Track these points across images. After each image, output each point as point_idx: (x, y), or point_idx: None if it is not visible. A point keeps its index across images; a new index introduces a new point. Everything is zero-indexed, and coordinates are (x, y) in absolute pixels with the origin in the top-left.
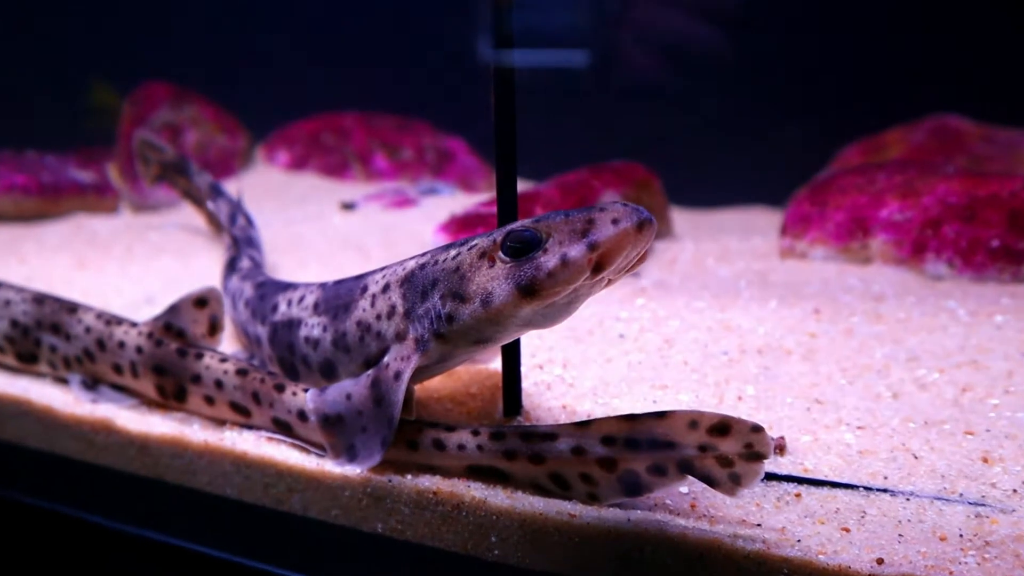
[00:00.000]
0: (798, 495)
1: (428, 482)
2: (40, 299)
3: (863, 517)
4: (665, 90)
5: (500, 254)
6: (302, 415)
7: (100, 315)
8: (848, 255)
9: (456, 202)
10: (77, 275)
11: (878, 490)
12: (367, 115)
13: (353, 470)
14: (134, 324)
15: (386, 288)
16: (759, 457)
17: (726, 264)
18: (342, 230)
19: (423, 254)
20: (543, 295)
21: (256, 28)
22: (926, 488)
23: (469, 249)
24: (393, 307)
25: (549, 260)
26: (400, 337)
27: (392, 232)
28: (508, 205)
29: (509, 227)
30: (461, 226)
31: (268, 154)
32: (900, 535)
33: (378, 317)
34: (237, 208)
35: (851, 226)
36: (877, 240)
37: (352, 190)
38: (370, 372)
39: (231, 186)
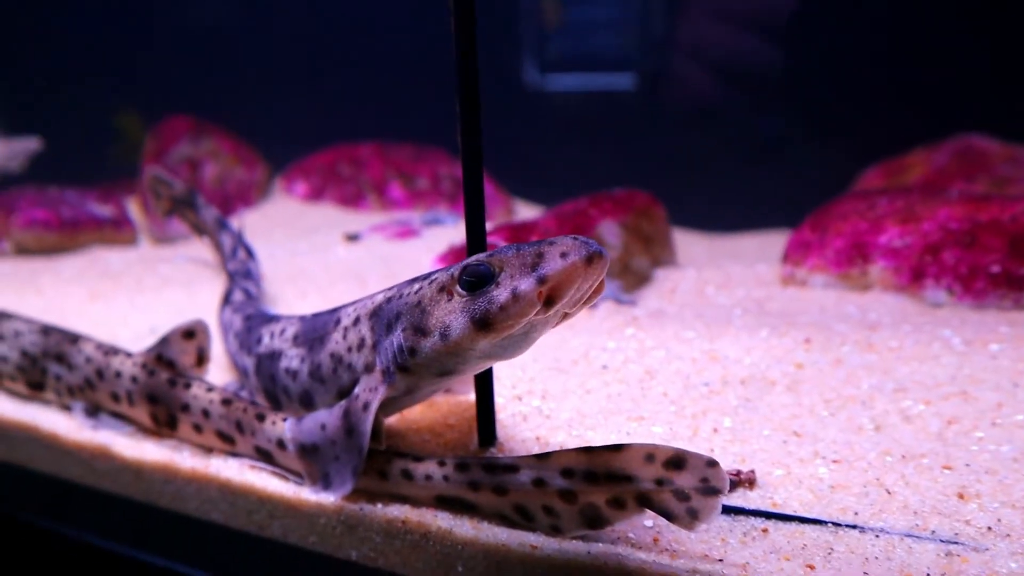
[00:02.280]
0: (765, 530)
1: (397, 511)
2: (46, 330)
3: (830, 554)
4: (706, 112)
5: (457, 288)
6: (281, 443)
7: (99, 346)
8: (848, 282)
9: (458, 232)
10: (89, 307)
11: (847, 526)
12: (384, 145)
13: (327, 498)
14: (129, 354)
15: (357, 321)
16: (715, 492)
17: (726, 292)
18: (344, 261)
19: (391, 288)
20: (497, 328)
21: (278, 59)
22: (897, 525)
23: (430, 283)
24: (363, 339)
25: (501, 294)
26: (369, 369)
27: (392, 263)
28: (476, 237)
29: (466, 261)
30: (459, 256)
31: (287, 185)
32: (865, 573)
33: (349, 349)
34: (238, 241)
35: (851, 252)
36: (876, 267)
37: (366, 220)
38: (342, 403)
39: (249, 218)
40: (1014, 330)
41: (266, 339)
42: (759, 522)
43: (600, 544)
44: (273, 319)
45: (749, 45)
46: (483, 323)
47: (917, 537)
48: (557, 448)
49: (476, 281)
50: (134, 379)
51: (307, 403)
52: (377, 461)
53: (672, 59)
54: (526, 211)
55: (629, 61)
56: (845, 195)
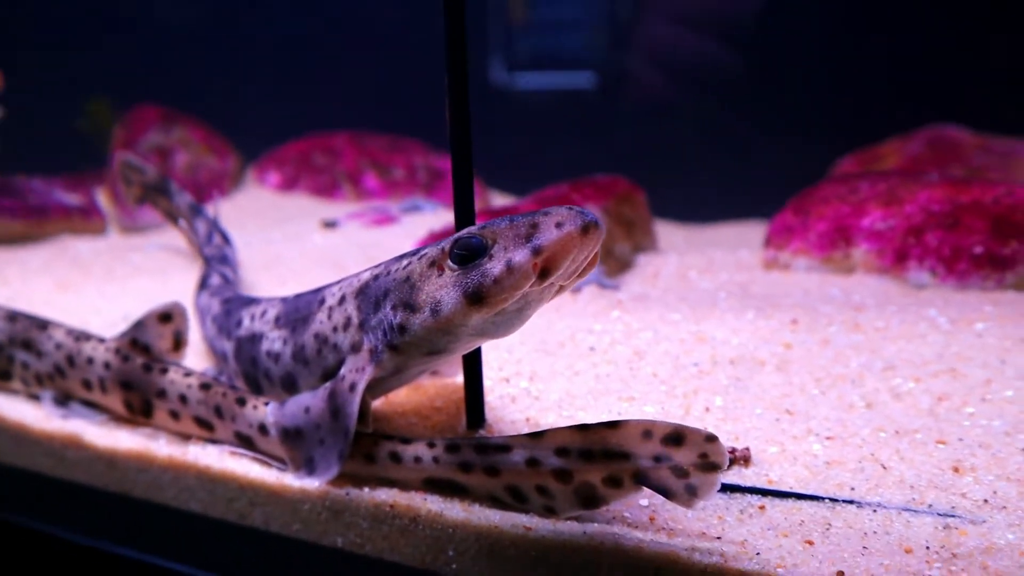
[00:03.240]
0: (762, 507)
1: (385, 495)
2: (12, 316)
3: (828, 529)
4: (671, 108)
5: (449, 262)
6: (263, 428)
7: (70, 332)
8: (831, 265)
9: (438, 219)
10: (58, 296)
11: (844, 501)
12: (358, 135)
13: (312, 483)
14: (102, 340)
15: (342, 300)
16: (714, 467)
17: (709, 276)
18: (322, 248)
19: (378, 265)
20: (491, 302)
21: (249, 49)
22: (894, 499)
23: (419, 258)
24: (348, 319)
25: (495, 266)
26: (355, 348)
27: (371, 249)
28: (464, 212)
29: (457, 234)
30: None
31: (259, 175)
32: (864, 547)
33: (335, 329)
34: (213, 226)
35: (834, 236)
36: (859, 249)
37: (342, 210)
38: (327, 385)
39: (222, 208)
40: (998, 309)
41: (246, 321)
42: (755, 499)
43: (595, 524)
44: (253, 301)
45: (709, 46)
46: (476, 297)
47: (914, 511)
48: (548, 427)
49: (468, 255)
50: (107, 365)
51: (290, 386)
52: (364, 444)
53: (633, 58)
54: (501, 200)
55: (592, 60)
56: (826, 180)
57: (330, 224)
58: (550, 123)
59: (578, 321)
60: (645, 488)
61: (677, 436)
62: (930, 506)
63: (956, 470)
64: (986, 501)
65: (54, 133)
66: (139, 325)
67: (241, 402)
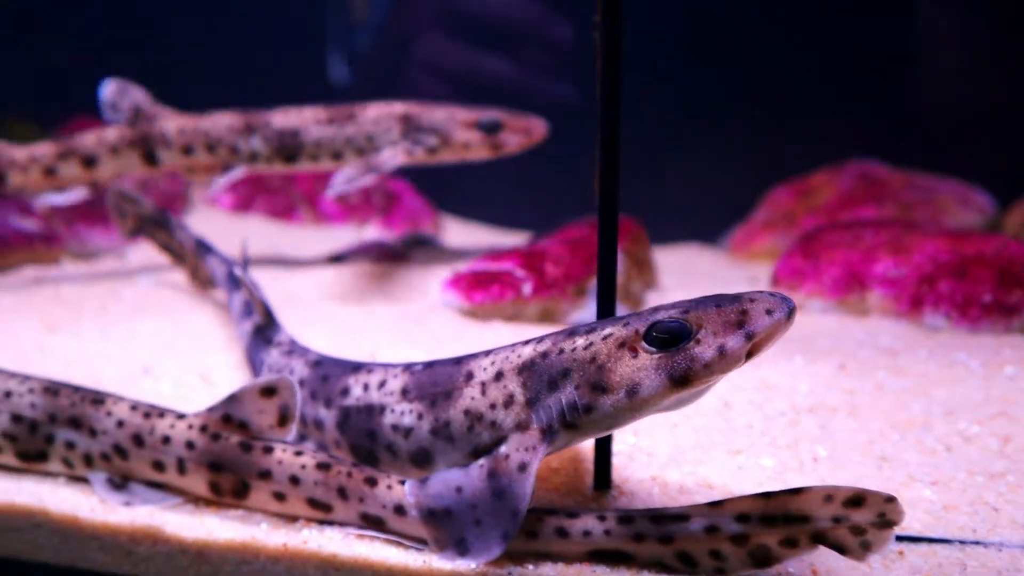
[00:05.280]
0: (901, 552)
1: (551, 570)
2: (53, 389)
3: (965, 570)
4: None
5: (643, 344)
6: (399, 509)
7: (135, 406)
8: (846, 307)
9: (450, 255)
10: (49, 339)
11: (972, 543)
12: None
13: (467, 565)
14: (181, 415)
15: (499, 376)
16: (891, 524)
17: None
18: (338, 286)
19: (538, 340)
20: (695, 384)
21: (184, 61)
22: (1012, 538)
23: (604, 339)
24: (511, 396)
25: (705, 351)
26: (522, 427)
27: (391, 286)
28: (607, 296)
29: (651, 318)
30: (473, 283)
31: (210, 196)
32: None
33: (492, 406)
34: (244, 267)
35: (848, 280)
36: (875, 294)
37: (302, 233)
38: (482, 463)
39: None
40: (1016, 352)
41: (357, 391)
42: (895, 545)
43: None
44: (361, 367)
45: (489, 62)
46: (683, 380)
47: None
48: (676, 487)
49: (669, 338)
50: (190, 445)
51: (422, 462)
52: (526, 520)
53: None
54: (452, 225)
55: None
56: (826, 225)
57: (337, 259)
58: None
59: None
60: (819, 546)
61: (858, 499)
62: None
63: None
64: None
65: None
66: (234, 400)
67: (371, 482)
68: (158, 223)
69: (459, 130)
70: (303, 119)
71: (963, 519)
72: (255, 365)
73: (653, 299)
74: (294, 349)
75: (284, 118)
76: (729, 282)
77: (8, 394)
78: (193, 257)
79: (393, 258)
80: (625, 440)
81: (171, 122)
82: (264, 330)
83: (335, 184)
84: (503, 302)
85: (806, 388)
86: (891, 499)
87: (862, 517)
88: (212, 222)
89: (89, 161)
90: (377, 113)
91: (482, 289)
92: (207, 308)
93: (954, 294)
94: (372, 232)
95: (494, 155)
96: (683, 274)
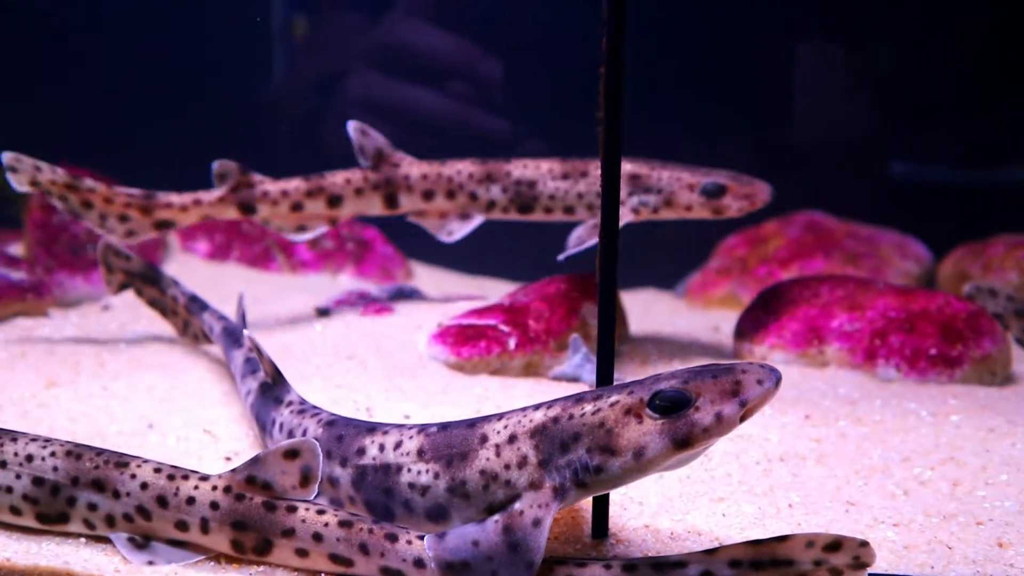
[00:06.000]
0: None
1: None
2: (76, 453)
3: None
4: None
5: (648, 411)
6: (419, 563)
7: (159, 469)
8: (806, 359)
9: (431, 307)
10: (50, 395)
11: None
12: None
13: None
14: (204, 477)
15: (512, 439)
16: (865, 566)
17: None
18: (328, 339)
19: (548, 406)
20: (695, 446)
21: (154, 104)
22: (966, 573)
23: (611, 406)
24: (525, 457)
25: (704, 417)
26: (535, 486)
27: (382, 341)
28: (606, 365)
29: (654, 387)
30: (460, 338)
31: (185, 242)
32: None
33: (507, 467)
34: (244, 325)
35: (808, 334)
36: (832, 347)
37: (279, 280)
38: (497, 518)
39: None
40: (960, 402)
41: (373, 451)
42: None
43: None
44: (376, 428)
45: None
46: (684, 443)
47: None
48: (668, 533)
49: (671, 406)
50: (214, 505)
51: (437, 518)
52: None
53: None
54: (421, 272)
55: None
56: (786, 282)
57: (323, 312)
58: None
59: None
60: None
61: (836, 544)
62: None
63: (1000, 545)
64: None
65: None
66: (257, 461)
67: (392, 537)
68: (148, 279)
69: (683, 192)
70: (540, 172)
71: (922, 557)
72: (263, 423)
73: (626, 351)
74: (305, 408)
75: (523, 170)
76: (692, 330)
77: (30, 457)
78: (185, 313)
79: (378, 311)
80: (618, 490)
81: (415, 168)
82: (272, 389)
83: (569, 246)
84: (490, 356)
85: (776, 438)
86: (864, 543)
87: (840, 560)
88: (190, 269)
89: (334, 200)
90: None
91: (470, 344)
92: (202, 362)
93: (903, 347)
94: (346, 279)
95: (714, 218)
96: (646, 321)
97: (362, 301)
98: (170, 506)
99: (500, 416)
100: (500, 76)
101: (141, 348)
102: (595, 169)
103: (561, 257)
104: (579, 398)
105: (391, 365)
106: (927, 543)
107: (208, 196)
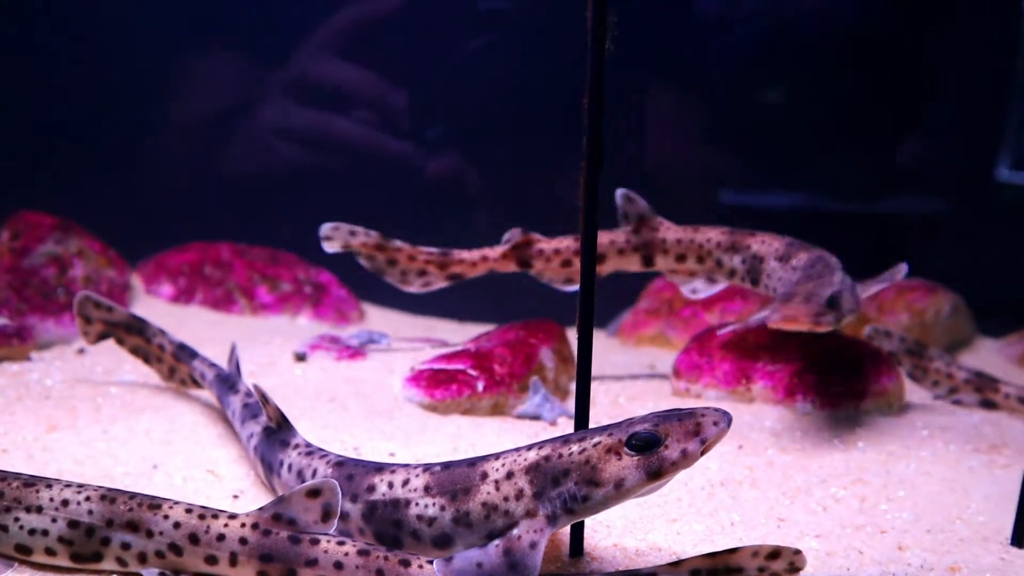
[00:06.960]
0: None
1: None
2: (111, 497)
3: None
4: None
5: (626, 449)
6: None
7: (190, 509)
8: (736, 396)
9: (402, 353)
10: (52, 439)
11: None
12: (239, 247)
13: None
14: (233, 516)
15: (510, 475)
16: (798, 570)
17: (638, 404)
18: (309, 383)
19: (539, 447)
20: (665, 477)
21: (110, 141)
22: (874, 573)
23: (594, 446)
24: (521, 490)
25: (672, 453)
26: (530, 514)
27: (360, 385)
28: (583, 412)
29: (630, 430)
30: (431, 381)
31: (149, 285)
32: None
33: (506, 499)
34: (238, 372)
35: (737, 374)
36: (758, 385)
37: (243, 322)
38: (498, 542)
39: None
40: (865, 429)
41: (382, 488)
42: None
43: None
44: (383, 468)
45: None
46: (656, 475)
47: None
48: (634, 551)
49: (645, 445)
50: (243, 540)
51: (442, 545)
52: None
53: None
54: (373, 312)
55: None
56: (714, 327)
57: (301, 357)
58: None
59: None
60: None
61: (775, 553)
62: (894, 575)
63: (900, 548)
64: (921, 566)
65: None
66: (283, 501)
67: (405, 563)
68: (132, 329)
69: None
70: (768, 250)
71: (840, 561)
72: (270, 464)
73: (574, 389)
74: (312, 450)
75: (759, 245)
76: (630, 368)
77: (66, 503)
78: (172, 360)
79: (352, 356)
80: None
81: (671, 232)
82: (278, 432)
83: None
84: (461, 398)
85: (716, 466)
86: (798, 551)
87: (779, 566)
88: (155, 312)
89: (598, 259)
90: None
91: (442, 387)
92: (195, 405)
93: (818, 385)
94: (304, 321)
95: None
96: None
97: (335, 346)
98: (201, 542)
99: (497, 456)
100: (404, 104)
101: (132, 392)
102: (796, 262)
103: (725, 331)
104: (566, 439)
105: (370, 407)
106: (843, 550)
107: (493, 253)
